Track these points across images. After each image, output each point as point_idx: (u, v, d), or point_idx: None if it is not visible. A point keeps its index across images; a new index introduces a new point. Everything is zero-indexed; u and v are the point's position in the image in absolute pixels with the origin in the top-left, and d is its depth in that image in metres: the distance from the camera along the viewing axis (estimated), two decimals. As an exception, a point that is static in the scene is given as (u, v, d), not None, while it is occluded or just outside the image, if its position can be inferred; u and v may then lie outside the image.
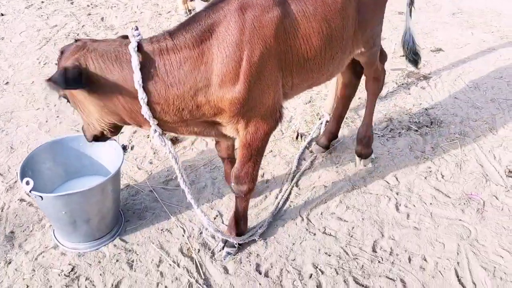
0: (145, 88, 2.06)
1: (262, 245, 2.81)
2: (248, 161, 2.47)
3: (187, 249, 2.79)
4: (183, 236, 2.87)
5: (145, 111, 2.11)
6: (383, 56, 3.31)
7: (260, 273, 2.64)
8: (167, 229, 2.93)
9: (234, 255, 2.75)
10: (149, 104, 2.10)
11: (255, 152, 2.44)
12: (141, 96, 2.05)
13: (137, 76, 2.02)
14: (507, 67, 4.81)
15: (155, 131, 2.26)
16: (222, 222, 2.98)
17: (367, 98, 3.36)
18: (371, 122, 3.36)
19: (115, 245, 2.81)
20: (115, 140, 2.82)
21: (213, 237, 2.85)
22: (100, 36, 5.34)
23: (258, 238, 2.82)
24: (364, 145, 3.35)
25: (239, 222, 2.77)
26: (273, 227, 2.93)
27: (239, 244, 2.76)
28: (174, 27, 2.19)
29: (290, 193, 3.19)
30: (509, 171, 3.38)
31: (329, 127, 3.56)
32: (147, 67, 2.06)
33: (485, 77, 4.62)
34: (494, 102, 4.21)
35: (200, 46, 2.09)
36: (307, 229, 2.93)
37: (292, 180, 3.28)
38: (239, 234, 2.76)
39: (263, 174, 3.35)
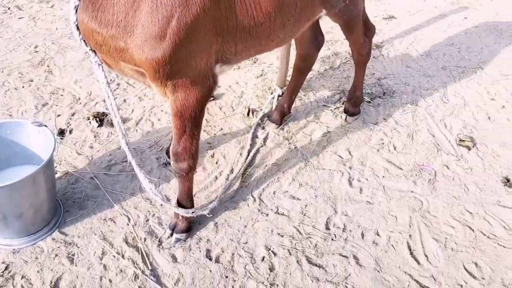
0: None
1: (213, 230, 2.69)
2: (183, 134, 2.29)
3: (133, 239, 2.63)
4: (127, 225, 2.71)
5: (77, 38, 2.04)
6: (367, 28, 3.20)
7: (210, 259, 2.53)
8: (110, 218, 2.75)
9: (184, 241, 2.62)
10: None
11: (190, 123, 2.26)
12: (73, 20, 1.97)
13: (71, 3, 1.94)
14: (458, 33, 4.81)
15: (96, 62, 2.14)
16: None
17: (354, 65, 3.39)
18: (359, 85, 3.47)
19: (53, 239, 2.61)
20: (45, 126, 2.58)
21: (160, 224, 2.71)
22: (34, 10, 4.91)
23: (208, 214, 2.67)
24: (352, 104, 3.51)
25: (185, 205, 2.64)
26: (224, 209, 2.81)
27: (188, 229, 2.64)
28: None
29: (244, 173, 3.07)
30: (460, 140, 3.38)
31: (282, 102, 3.44)
32: None
33: (436, 44, 4.60)
34: (445, 70, 4.20)
35: None
36: (259, 210, 2.83)
37: (245, 159, 3.15)
38: (187, 218, 2.62)
39: (213, 154, 3.20)
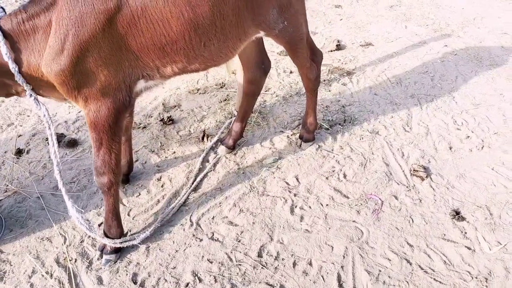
0: (15, 59, 2.20)
1: (144, 253, 2.71)
2: (100, 147, 2.40)
3: (64, 259, 2.67)
4: (63, 245, 2.76)
5: (18, 78, 2.24)
6: (313, 53, 3.22)
7: (135, 283, 2.54)
8: (47, 237, 2.80)
9: (114, 262, 2.64)
10: (20, 72, 2.23)
11: (105, 136, 2.37)
12: (12, 66, 2.19)
13: (3, 49, 2.16)
14: (435, 61, 4.77)
15: (31, 95, 2.34)
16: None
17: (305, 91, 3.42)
18: (312, 111, 3.47)
19: (-11, 256, 2.68)
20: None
21: (94, 245, 2.74)
22: None
23: (139, 243, 2.71)
24: (306, 131, 3.51)
25: (111, 224, 2.66)
26: (159, 232, 2.83)
27: (117, 250, 2.66)
28: (28, 1, 2.24)
29: (187, 198, 3.09)
30: (414, 170, 3.33)
31: (234, 126, 3.47)
32: (10, 40, 2.18)
33: (410, 71, 4.57)
34: (413, 98, 4.16)
35: (46, 16, 2.17)
36: (194, 235, 2.83)
37: (191, 184, 3.18)
38: (116, 236, 2.66)
39: (160, 177, 3.24)
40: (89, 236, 2.79)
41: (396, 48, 4.98)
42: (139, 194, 3.11)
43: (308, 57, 3.13)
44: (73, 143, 3.47)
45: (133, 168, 3.25)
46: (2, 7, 2.29)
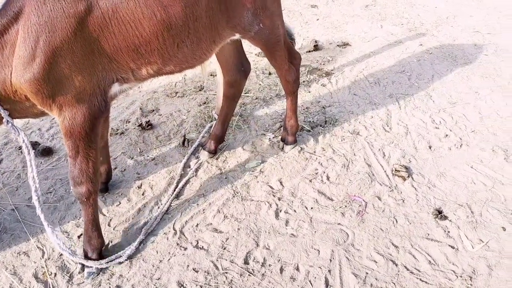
0: None
1: (127, 265, 2.62)
2: (77, 155, 2.32)
3: (43, 274, 2.56)
4: (41, 259, 2.64)
5: None
6: (291, 55, 3.19)
7: (119, 296, 2.47)
8: (24, 252, 2.69)
9: (96, 275, 2.56)
10: None
11: (82, 143, 2.29)
12: None
13: None
14: (411, 60, 4.82)
15: (7, 121, 2.23)
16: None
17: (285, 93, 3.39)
18: (292, 114, 3.43)
19: (-39, 274, 2.55)
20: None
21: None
22: None
23: (126, 260, 2.63)
24: (288, 133, 3.49)
25: (91, 234, 2.56)
26: (142, 243, 2.76)
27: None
28: None
29: (169, 206, 3.02)
30: (395, 170, 3.35)
31: (215, 130, 3.41)
32: None
33: (387, 71, 4.61)
34: (392, 98, 4.20)
35: (13, 29, 2.08)
36: (178, 244, 2.77)
37: (174, 190, 3.11)
38: (92, 249, 2.57)
39: (141, 185, 3.16)
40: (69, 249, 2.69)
41: (373, 47, 5.02)
42: (119, 203, 3.02)
43: (286, 59, 3.11)
44: (48, 151, 3.34)
45: (112, 176, 3.15)
46: None
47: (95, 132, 2.32)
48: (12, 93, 2.16)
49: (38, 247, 2.70)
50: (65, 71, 2.11)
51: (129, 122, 3.78)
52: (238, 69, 3.18)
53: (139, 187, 3.14)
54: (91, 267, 2.54)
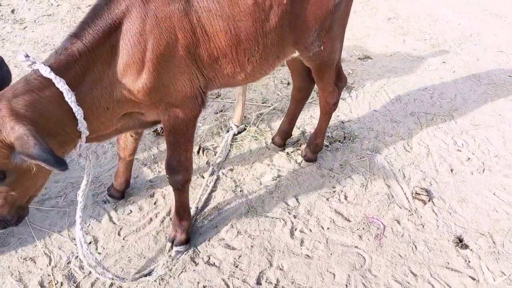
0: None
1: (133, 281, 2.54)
2: (176, 148, 2.44)
3: (49, 282, 2.48)
4: (48, 266, 2.57)
5: (82, 124, 2.02)
6: (338, 78, 3.18)
7: (126, 311, 2.38)
8: (31, 257, 2.61)
9: (184, 254, 2.69)
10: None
11: (182, 139, 2.41)
12: (76, 110, 1.96)
13: (67, 95, 1.92)
14: (433, 78, 4.70)
15: (80, 145, 2.15)
16: (96, 249, 2.69)
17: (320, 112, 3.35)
18: (321, 132, 3.38)
19: (-34, 278, 2.48)
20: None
21: (82, 267, 2.56)
22: (6, 31, 4.89)
23: (155, 279, 2.55)
24: (310, 150, 3.44)
25: (182, 216, 2.70)
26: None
27: (187, 241, 2.72)
28: (76, 27, 2.04)
29: (196, 219, 2.92)
30: (416, 193, 3.24)
31: (283, 127, 3.53)
32: (66, 81, 1.93)
33: (409, 88, 4.49)
34: (413, 116, 4.08)
35: (108, 40, 2.05)
36: (191, 258, 2.68)
37: (198, 204, 3.01)
38: (182, 229, 2.70)
39: (153, 194, 3.07)
40: (77, 257, 2.61)
41: (394, 62, 4.90)
42: (131, 212, 2.93)
43: (333, 81, 3.07)
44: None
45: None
46: (26, 53, 1.94)
47: (194, 128, 2.46)
48: (115, 100, 2.15)
49: (45, 253, 2.63)
50: (172, 77, 2.20)
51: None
52: (306, 75, 3.20)
53: (151, 196, 3.05)
54: (179, 248, 2.69)
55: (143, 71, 2.10)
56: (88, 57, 2.00)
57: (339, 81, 3.18)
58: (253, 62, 2.46)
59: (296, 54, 2.72)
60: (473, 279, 2.69)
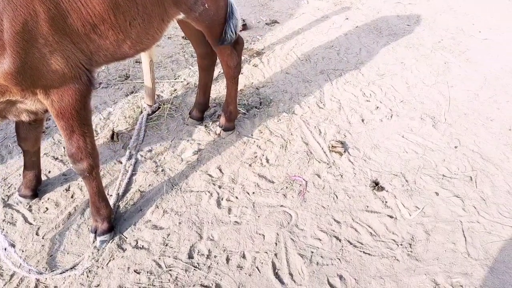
0: None
1: (61, 275, 2.44)
2: (72, 134, 2.30)
3: (-36, 298, 2.31)
4: (-40, 281, 2.38)
5: None
6: (235, 40, 3.09)
7: (55, 311, 2.28)
8: None
9: (109, 242, 2.61)
10: None
11: (75, 123, 2.26)
12: None
13: None
14: (338, 35, 4.86)
15: None
16: (15, 253, 2.53)
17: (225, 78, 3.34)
18: (232, 100, 3.39)
19: None
20: None
21: (1, 275, 2.40)
22: None
23: (82, 273, 2.45)
24: (226, 119, 3.44)
25: (99, 205, 2.61)
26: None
27: (110, 229, 2.63)
28: None
29: (118, 206, 2.82)
30: (332, 146, 3.38)
31: (198, 99, 3.51)
32: None
33: (316, 48, 4.61)
34: (323, 74, 4.22)
35: None
36: (118, 246, 2.61)
37: (118, 191, 2.90)
38: (102, 218, 2.61)
39: (69, 187, 2.93)
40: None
41: (301, 24, 4.99)
42: (47, 209, 2.78)
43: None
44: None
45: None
46: None
47: (87, 110, 2.29)
48: None
49: (-45, 269, 2.43)
50: (41, 57, 1.99)
51: (49, 119, 3.48)
52: (206, 42, 3.10)
53: (67, 190, 2.91)
54: (104, 237, 2.60)
55: (4, 55, 1.91)
56: None
57: (236, 43, 3.17)
58: (136, 26, 2.34)
59: (182, 15, 2.66)
60: (391, 217, 2.89)
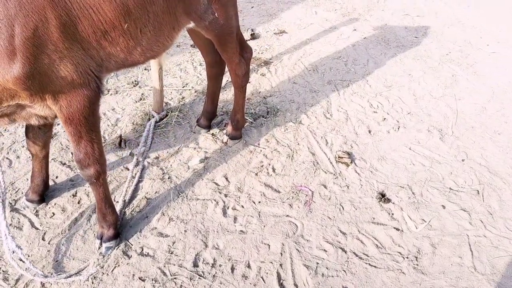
0: None
1: (65, 282, 2.44)
2: (80, 140, 2.31)
3: (-30, 301, 2.32)
4: (-34, 285, 2.39)
5: None
6: (243, 49, 3.15)
7: (59, 316, 2.28)
8: None
9: (115, 248, 2.60)
10: None
11: (84, 128, 2.28)
12: None
13: None
14: (346, 46, 4.88)
15: None
16: (20, 259, 2.54)
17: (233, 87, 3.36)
18: (240, 108, 3.41)
19: None
20: None
21: (6, 279, 2.41)
22: None
23: (87, 279, 2.45)
24: (233, 128, 3.46)
25: (105, 211, 2.61)
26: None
27: (116, 236, 2.64)
28: None
29: (124, 213, 2.83)
30: (339, 157, 3.38)
31: (206, 107, 3.53)
32: None
33: (324, 58, 4.63)
34: (330, 84, 4.22)
35: None
36: (124, 252, 2.61)
37: (125, 198, 2.91)
38: (108, 225, 2.61)
39: (76, 193, 2.94)
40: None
41: (309, 34, 5.02)
42: (53, 214, 2.79)
43: (237, 52, 3.06)
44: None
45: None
46: None
47: (95, 116, 2.31)
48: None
49: (-38, 272, 2.44)
50: (50, 63, 2.01)
51: (58, 124, 3.50)
52: (215, 50, 3.13)
53: (74, 195, 2.92)
54: (109, 244, 2.61)
55: (14, 60, 1.93)
56: None
57: (244, 52, 3.19)
58: (146, 34, 2.36)
59: (192, 24, 2.68)
60: (397, 229, 2.87)
